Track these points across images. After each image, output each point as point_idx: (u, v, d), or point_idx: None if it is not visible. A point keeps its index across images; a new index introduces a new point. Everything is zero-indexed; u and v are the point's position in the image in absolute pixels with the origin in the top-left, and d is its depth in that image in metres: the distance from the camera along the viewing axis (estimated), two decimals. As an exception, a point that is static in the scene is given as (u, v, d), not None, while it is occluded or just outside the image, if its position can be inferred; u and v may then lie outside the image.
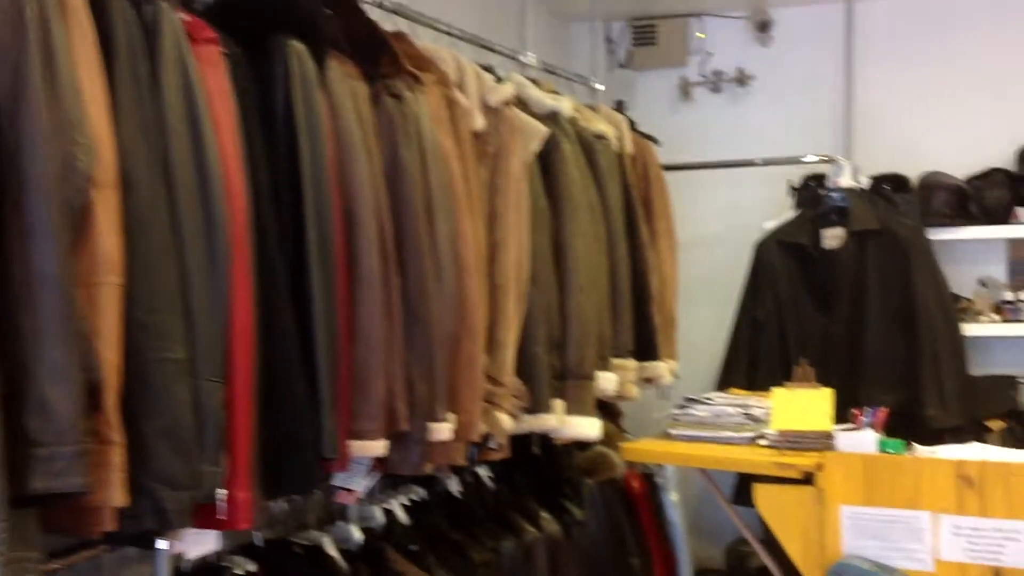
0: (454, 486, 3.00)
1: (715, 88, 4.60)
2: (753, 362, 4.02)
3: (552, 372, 2.91)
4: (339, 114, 2.23)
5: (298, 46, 2.15)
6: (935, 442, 3.19)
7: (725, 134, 4.56)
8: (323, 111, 2.17)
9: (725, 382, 3.98)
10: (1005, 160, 4.09)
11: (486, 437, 2.66)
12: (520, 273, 2.79)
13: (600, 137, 3.41)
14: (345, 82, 2.28)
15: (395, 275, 2.30)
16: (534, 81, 3.33)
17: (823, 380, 3.20)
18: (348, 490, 2.33)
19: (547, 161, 3.04)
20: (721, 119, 4.59)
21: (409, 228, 2.37)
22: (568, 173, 3.07)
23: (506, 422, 2.68)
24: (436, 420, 2.36)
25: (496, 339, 2.73)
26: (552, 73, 3.70)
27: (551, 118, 3.13)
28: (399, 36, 2.60)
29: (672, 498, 3.73)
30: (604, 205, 3.30)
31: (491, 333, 2.72)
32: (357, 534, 2.61)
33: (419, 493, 2.88)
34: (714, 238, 4.55)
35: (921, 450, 2.97)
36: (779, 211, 4.22)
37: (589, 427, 2.98)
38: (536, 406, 2.80)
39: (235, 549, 2.38)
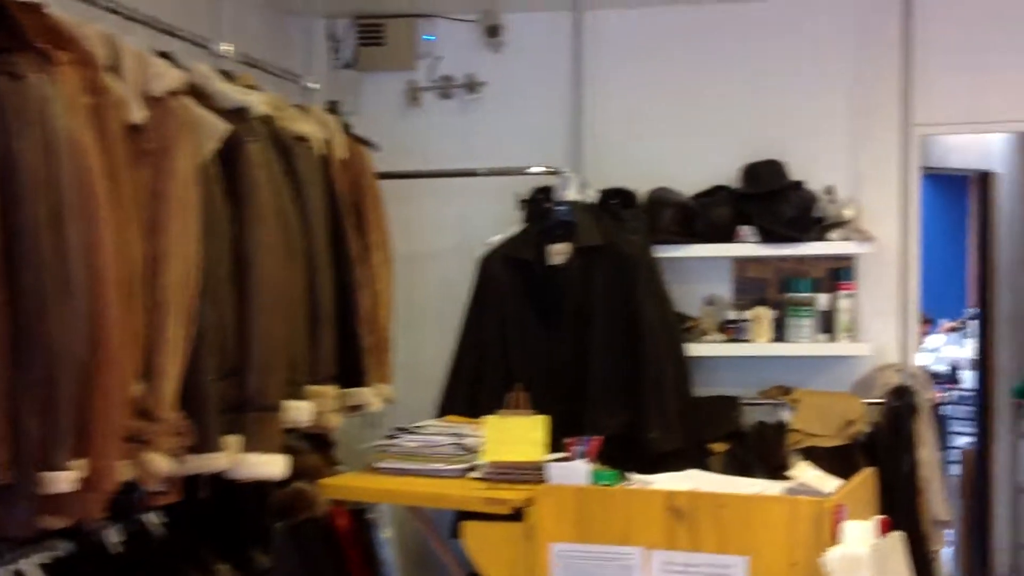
0: (113, 537, 2.57)
1: (445, 94, 4.36)
2: (476, 386, 3.77)
3: (227, 403, 2.54)
4: (-75, 92, 1.82)
5: None
6: (659, 466, 3.06)
7: (455, 142, 4.33)
8: None
9: (445, 408, 3.72)
10: (730, 178, 4.04)
11: (135, 482, 2.26)
12: (187, 290, 2.42)
13: (301, 139, 3.08)
14: (-64, 54, 1.86)
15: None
16: (227, 74, 2.96)
17: (548, 404, 3.05)
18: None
19: (230, 163, 2.68)
20: (451, 126, 4.36)
21: (25, 234, 1.97)
22: (254, 177, 2.72)
23: (161, 464, 2.29)
24: (53, 468, 1.95)
25: (155, 367, 2.34)
26: (254, 67, 3.33)
27: (237, 114, 2.77)
28: (30, 6, 2.18)
29: (385, 535, 3.43)
30: (302, 214, 2.97)
31: (149, 360, 2.33)
32: (-32, 606, 2.15)
33: (64, 548, 2.43)
34: (443, 252, 4.31)
35: (636, 480, 2.81)
36: (510, 225, 4.01)
37: (270, 465, 2.63)
38: (203, 444, 2.42)
39: None
